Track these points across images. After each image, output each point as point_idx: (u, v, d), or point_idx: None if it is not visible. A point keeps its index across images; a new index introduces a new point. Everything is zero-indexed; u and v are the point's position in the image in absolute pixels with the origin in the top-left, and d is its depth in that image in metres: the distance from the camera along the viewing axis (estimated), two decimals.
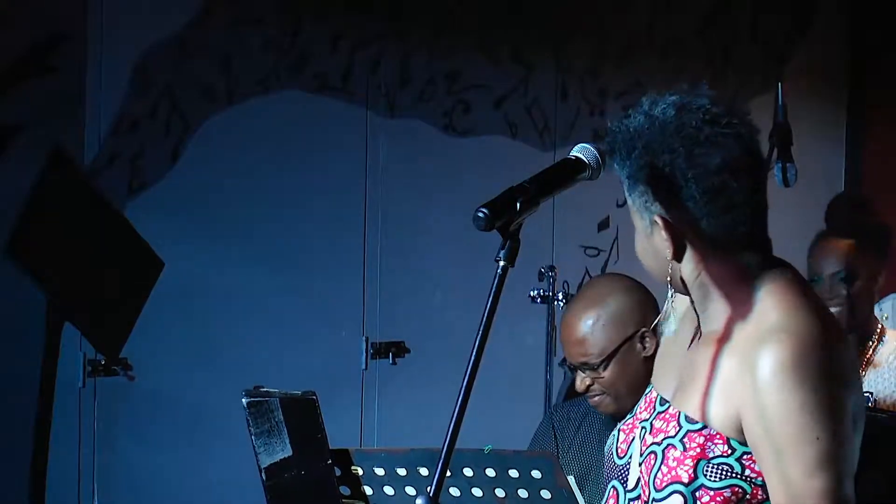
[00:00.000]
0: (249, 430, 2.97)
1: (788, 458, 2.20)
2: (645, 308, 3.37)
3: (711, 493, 2.27)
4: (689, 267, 2.34)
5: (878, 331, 4.23)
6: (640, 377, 3.29)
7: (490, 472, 2.89)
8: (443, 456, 2.17)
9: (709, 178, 2.28)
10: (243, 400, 2.98)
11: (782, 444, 2.21)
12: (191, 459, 4.86)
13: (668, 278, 2.35)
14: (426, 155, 5.49)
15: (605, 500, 2.46)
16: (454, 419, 2.17)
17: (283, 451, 2.95)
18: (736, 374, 2.27)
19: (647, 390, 2.49)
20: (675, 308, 2.51)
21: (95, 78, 4.65)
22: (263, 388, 3.00)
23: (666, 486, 2.30)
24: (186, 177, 4.86)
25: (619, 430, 2.48)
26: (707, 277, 2.34)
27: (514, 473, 2.87)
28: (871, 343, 4.20)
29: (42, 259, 4.47)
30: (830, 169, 6.92)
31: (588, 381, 3.39)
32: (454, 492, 2.90)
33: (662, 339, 2.57)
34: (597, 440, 3.51)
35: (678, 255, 2.32)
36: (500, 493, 2.90)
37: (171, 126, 4.83)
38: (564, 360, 3.49)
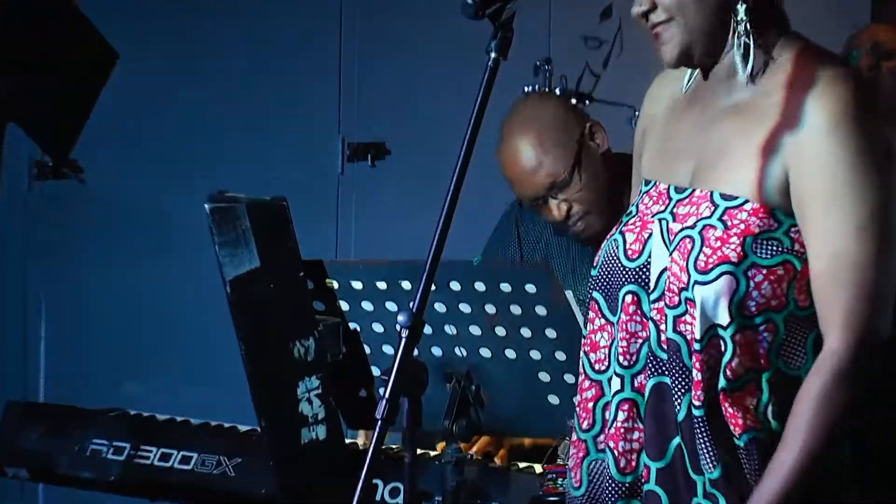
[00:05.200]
0: (213, 240, 2.89)
1: (837, 211, 2.25)
2: (574, 108, 3.51)
3: (765, 270, 2.29)
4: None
5: None
6: (609, 176, 3.39)
7: (479, 286, 2.88)
8: (427, 268, 2.21)
9: None
10: (206, 206, 2.90)
11: (832, 194, 2.25)
12: (149, 271, 4.88)
13: (708, 24, 2.32)
14: None
15: (618, 307, 2.41)
16: (440, 227, 2.20)
17: (251, 262, 2.88)
18: (781, 133, 2.29)
19: (648, 187, 2.47)
20: (652, 96, 2.56)
21: None
22: (228, 192, 2.93)
23: (713, 268, 2.29)
24: None
25: (620, 234, 2.44)
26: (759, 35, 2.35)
27: (505, 287, 2.86)
28: None
29: None
30: None
31: (565, 205, 3.43)
32: (439, 307, 2.92)
33: (647, 131, 2.56)
34: (566, 252, 3.58)
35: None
36: (490, 308, 2.90)
37: None
38: (520, 203, 3.54)
